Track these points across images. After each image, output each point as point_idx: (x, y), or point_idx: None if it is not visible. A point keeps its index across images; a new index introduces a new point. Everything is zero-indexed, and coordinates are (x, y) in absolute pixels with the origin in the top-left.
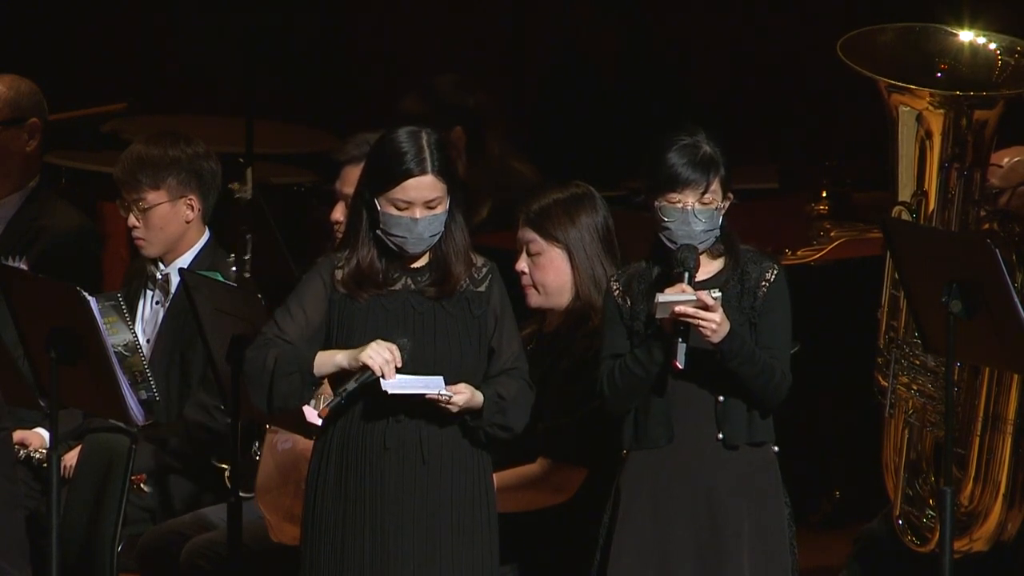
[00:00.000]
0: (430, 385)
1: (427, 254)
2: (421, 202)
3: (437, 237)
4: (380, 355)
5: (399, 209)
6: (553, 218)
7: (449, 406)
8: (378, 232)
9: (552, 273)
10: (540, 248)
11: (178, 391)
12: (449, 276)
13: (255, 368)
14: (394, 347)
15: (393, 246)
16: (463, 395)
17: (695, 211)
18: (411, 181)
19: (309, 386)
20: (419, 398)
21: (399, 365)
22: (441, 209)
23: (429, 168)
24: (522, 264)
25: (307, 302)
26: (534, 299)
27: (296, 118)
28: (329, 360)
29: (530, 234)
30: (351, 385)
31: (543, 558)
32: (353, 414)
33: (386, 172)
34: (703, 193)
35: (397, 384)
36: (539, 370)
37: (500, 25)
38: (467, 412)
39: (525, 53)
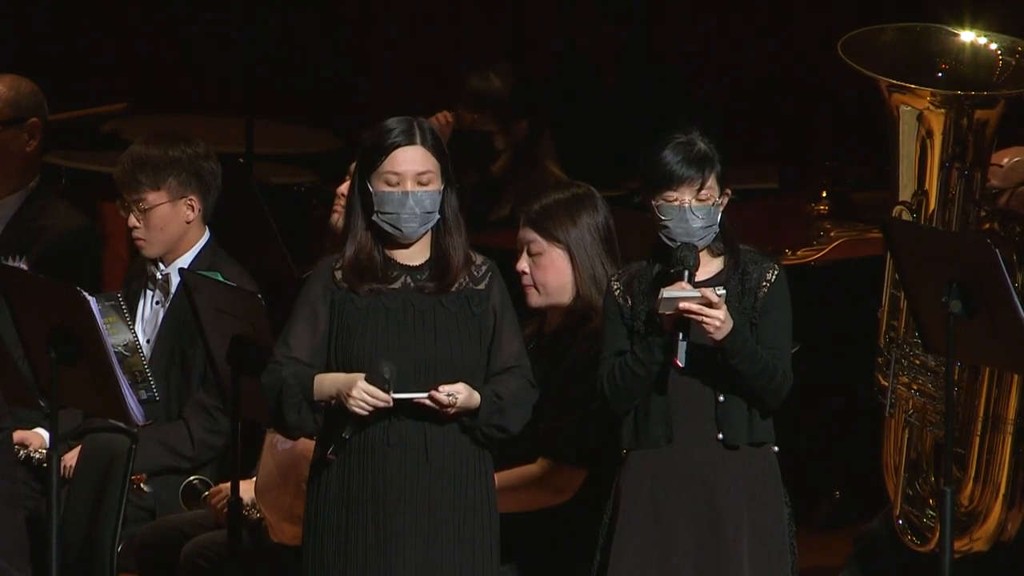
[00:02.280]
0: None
1: (426, 250)
2: (412, 175)
3: (431, 217)
4: (364, 404)
5: (390, 184)
6: (554, 218)
7: (447, 409)
8: (374, 219)
9: (553, 273)
10: (541, 248)
11: (178, 391)
12: (448, 271)
13: (267, 395)
14: (374, 391)
15: (388, 227)
16: (462, 395)
17: (692, 208)
18: (399, 152)
19: (318, 412)
20: (421, 403)
21: (388, 403)
22: (433, 187)
23: (418, 140)
24: (523, 264)
25: (311, 310)
26: (534, 299)
27: (296, 118)
28: (329, 383)
29: (531, 234)
30: (348, 432)
31: (543, 558)
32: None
33: (376, 149)
34: (699, 190)
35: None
36: (539, 370)
37: (500, 25)
38: (464, 412)
39: (525, 53)
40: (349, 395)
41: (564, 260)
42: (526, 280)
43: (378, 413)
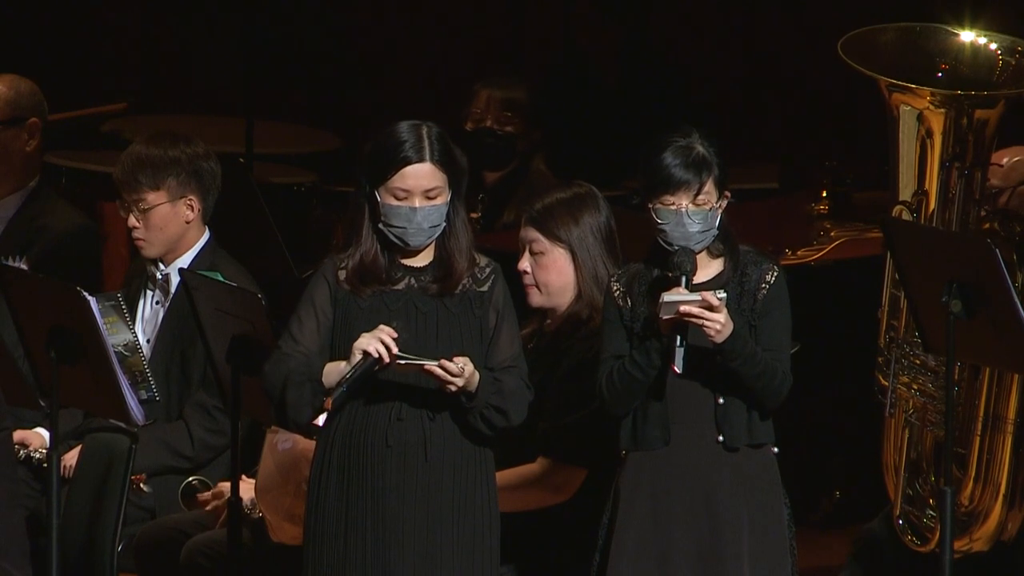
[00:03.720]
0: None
1: (430, 252)
2: (420, 191)
3: (438, 230)
4: (374, 338)
5: (398, 199)
6: (557, 218)
7: (454, 379)
8: (380, 226)
9: (555, 273)
10: (543, 248)
11: (178, 391)
12: (452, 272)
13: (270, 382)
14: (386, 327)
15: (394, 238)
16: (470, 367)
17: (689, 212)
18: (409, 168)
19: (319, 395)
20: (427, 377)
21: (395, 336)
22: (441, 200)
23: (427, 156)
24: (524, 263)
25: (316, 306)
26: (536, 298)
27: (296, 118)
28: (335, 369)
29: (533, 233)
30: (349, 373)
31: (543, 558)
32: (355, 414)
33: (385, 161)
34: (696, 194)
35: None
36: (540, 370)
37: (500, 25)
38: (463, 392)
39: (525, 53)
40: (359, 341)
41: (566, 260)
42: (527, 280)
43: (385, 365)
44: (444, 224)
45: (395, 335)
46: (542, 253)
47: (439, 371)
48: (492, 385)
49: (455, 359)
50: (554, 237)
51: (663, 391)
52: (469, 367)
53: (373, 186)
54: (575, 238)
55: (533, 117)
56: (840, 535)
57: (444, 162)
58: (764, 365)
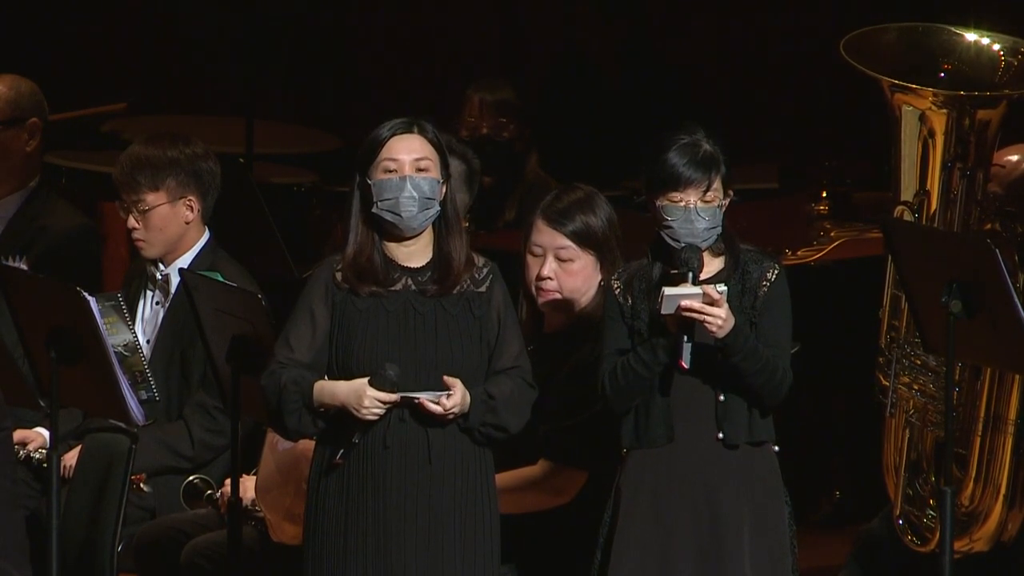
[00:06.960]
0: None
1: (428, 252)
2: (409, 161)
3: (431, 207)
4: (376, 412)
5: (388, 172)
6: (581, 221)
7: (436, 408)
8: (373, 211)
9: (582, 278)
10: (573, 254)
11: (178, 391)
12: (449, 273)
13: (268, 399)
14: (383, 396)
15: (387, 214)
16: (454, 397)
17: (698, 209)
18: (396, 140)
19: (316, 417)
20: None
21: (394, 401)
22: (431, 175)
23: (416, 130)
24: (549, 268)
25: (313, 312)
26: (554, 298)
27: (296, 118)
28: (329, 394)
29: (561, 240)
30: (358, 437)
31: (543, 558)
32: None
33: (373, 141)
34: (705, 192)
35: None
36: (541, 372)
37: (499, 25)
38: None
39: (525, 53)
40: (360, 406)
41: (594, 265)
42: (550, 285)
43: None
44: (438, 208)
45: (388, 398)
46: (571, 260)
47: (433, 407)
48: (483, 404)
49: (448, 382)
50: (583, 242)
51: (667, 388)
52: (456, 396)
53: (364, 173)
54: (602, 241)
55: (524, 116)
56: (840, 535)
57: (435, 143)
58: (765, 361)
